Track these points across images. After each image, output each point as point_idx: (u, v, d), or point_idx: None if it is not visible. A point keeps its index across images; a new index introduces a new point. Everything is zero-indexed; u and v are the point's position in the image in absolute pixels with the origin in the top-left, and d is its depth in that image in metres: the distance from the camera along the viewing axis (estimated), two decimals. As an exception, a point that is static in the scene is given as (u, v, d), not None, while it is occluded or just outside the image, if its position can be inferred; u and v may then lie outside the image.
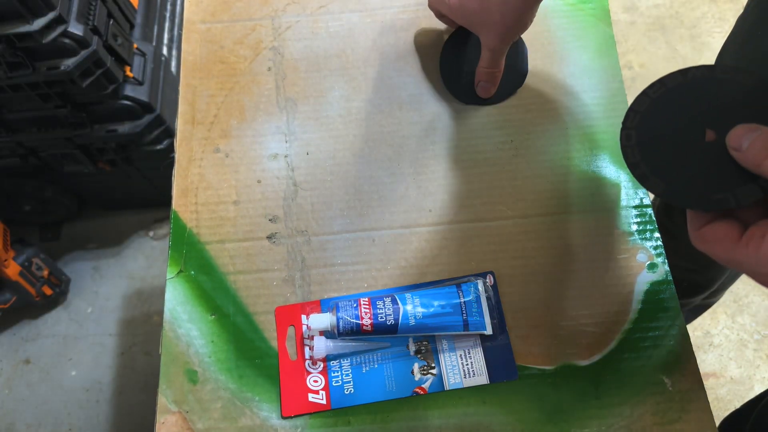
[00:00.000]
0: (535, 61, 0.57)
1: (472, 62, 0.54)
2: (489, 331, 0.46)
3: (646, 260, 0.48)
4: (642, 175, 0.36)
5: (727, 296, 1.10)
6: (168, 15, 1.08)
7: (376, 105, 0.56)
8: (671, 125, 0.36)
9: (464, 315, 0.46)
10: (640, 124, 0.37)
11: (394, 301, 0.45)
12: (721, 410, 0.97)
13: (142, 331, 1.14)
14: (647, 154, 0.36)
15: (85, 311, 1.18)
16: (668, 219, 0.75)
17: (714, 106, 0.35)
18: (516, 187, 0.52)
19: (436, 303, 0.46)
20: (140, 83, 0.94)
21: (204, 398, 0.46)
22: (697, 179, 0.34)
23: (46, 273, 1.12)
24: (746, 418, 0.72)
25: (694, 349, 0.46)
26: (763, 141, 0.30)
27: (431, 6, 0.53)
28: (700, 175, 0.34)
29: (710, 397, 0.44)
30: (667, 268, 0.48)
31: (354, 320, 0.44)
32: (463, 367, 0.45)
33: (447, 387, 0.45)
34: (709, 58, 1.25)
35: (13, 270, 1.07)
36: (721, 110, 0.35)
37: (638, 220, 0.50)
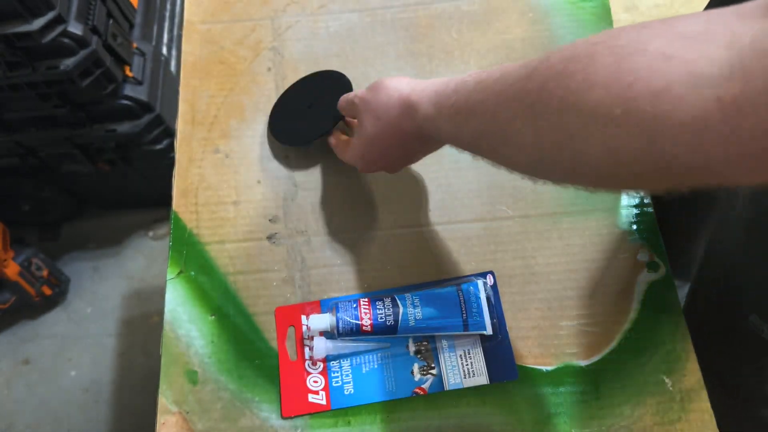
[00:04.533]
0: (535, 60, 0.56)
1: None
2: (489, 331, 0.46)
3: (646, 260, 0.48)
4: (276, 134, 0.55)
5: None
6: (167, 14, 1.08)
7: (376, 105, 0.56)
8: (291, 102, 0.56)
9: (464, 315, 0.45)
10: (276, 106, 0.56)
11: (393, 302, 0.45)
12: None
13: (141, 331, 1.14)
14: (277, 121, 0.55)
15: (84, 311, 1.17)
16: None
17: (317, 88, 0.56)
18: (516, 187, 0.52)
19: (436, 303, 0.46)
20: (140, 83, 0.94)
21: (204, 399, 0.46)
22: (307, 128, 0.54)
23: (45, 273, 1.12)
24: None
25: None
26: (345, 99, 0.49)
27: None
28: (308, 125, 0.54)
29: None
30: (667, 267, 0.48)
31: (354, 320, 0.44)
32: (463, 367, 0.45)
33: (447, 387, 0.45)
34: (709, 57, 1.25)
35: (12, 270, 1.06)
36: (320, 90, 0.55)
37: (638, 219, 0.50)
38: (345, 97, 0.49)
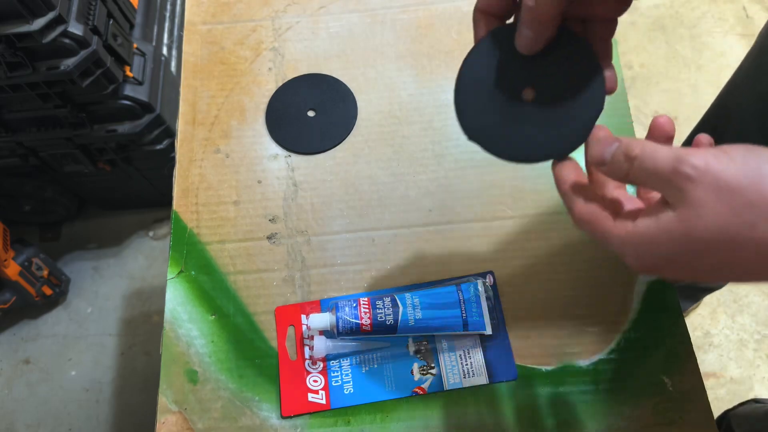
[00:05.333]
0: (534, 61, 0.57)
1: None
2: (488, 331, 0.46)
3: (645, 260, 0.48)
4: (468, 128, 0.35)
5: (728, 296, 1.10)
6: (168, 15, 1.08)
7: (376, 105, 0.56)
8: (490, 81, 0.35)
9: (464, 315, 0.46)
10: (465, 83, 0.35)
11: (393, 301, 0.45)
12: (720, 410, 0.97)
13: (142, 331, 1.14)
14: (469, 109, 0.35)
15: (84, 311, 1.18)
16: None
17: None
18: (516, 187, 0.52)
19: (435, 303, 0.46)
20: (140, 83, 0.94)
21: (204, 398, 0.46)
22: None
23: (45, 273, 1.12)
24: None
25: (694, 349, 0.46)
26: (624, 150, 0.30)
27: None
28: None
29: (710, 397, 0.44)
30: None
31: (353, 320, 0.44)
32: (462, 367, 0.46)
33: (446, 387, 0.45)
34: (709, 57, 1.25)
35: (12, 270, 1.06)
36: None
37: (638, 220, 0.50)
38: (651, 158, 0.28)
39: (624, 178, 0.30)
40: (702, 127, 0.69)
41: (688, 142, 0.73)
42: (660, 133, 0.32)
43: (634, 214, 0.30)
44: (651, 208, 0.29)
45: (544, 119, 0.34)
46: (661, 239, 0.28)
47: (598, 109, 0.33)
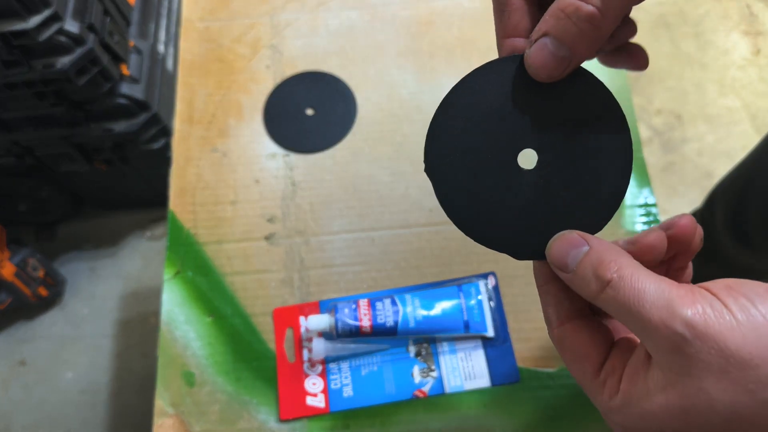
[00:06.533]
0: (536, 58, 0.56)
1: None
2: (490, 333, 0.45)
3: (649, 261, 0.48)
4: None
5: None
6: (165, 12, 1.07)
7: (376, 103, 0.55)
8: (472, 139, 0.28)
9: (465, 317, 0.45)
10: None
11: (393, 303, 0.45)
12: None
13: (138, 332, 1.13)
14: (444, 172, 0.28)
15: (81, 312, 1.17)
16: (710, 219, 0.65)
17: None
18: (518, 186, 0.51)
19: (436, 304, 0.45)
20: (136, 81, 0.94)
21: (201, 401, 0.45)
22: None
23: (41, 273, 1.11)
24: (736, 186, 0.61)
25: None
26: (593, 264, 0.23)
27: None
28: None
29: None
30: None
31: (353, 322, 0.44)
32: (463, 369, 0.45)
33: (447, 390, 0.44)
34: (713, 55, 1.24)
35: (8, 270, 1.06)
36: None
37: (643, 219, 0.49)
38: (634, 297, 0.22)
39: (592, 300, 0.23)
40: (728, 187, 0.63)
41: (710, 199, 0.66)
42: (649, 255, 0.25)
43: (618, 367, 0.24)
44: (635, 367, 0.23)
45: (543, 195, 0.25)
46: (655, 413, 0.22)
47: (620, 190, 0.25)
